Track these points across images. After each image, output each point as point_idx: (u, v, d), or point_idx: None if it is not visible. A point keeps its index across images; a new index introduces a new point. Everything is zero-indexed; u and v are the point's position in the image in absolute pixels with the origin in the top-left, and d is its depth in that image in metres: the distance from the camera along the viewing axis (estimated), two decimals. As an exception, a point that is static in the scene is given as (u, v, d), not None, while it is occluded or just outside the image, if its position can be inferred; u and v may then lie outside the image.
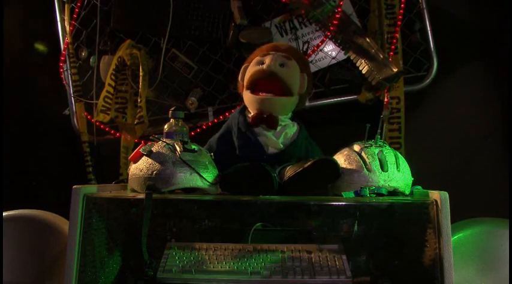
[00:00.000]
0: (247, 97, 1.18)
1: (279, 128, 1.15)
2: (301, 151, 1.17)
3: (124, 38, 1.56)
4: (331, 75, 1.53)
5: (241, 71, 1.23)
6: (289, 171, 1.00)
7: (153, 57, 1.56)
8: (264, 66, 1.15)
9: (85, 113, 1.60)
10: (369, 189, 0.98)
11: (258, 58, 1.20)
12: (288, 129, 1.17)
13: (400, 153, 1.08)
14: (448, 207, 0.94)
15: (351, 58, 1.49)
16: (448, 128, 1.57)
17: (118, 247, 1.16)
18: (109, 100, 1.53)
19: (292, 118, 1.21)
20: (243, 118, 1.18)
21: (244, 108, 1.22)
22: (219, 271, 1.03)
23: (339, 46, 1.51)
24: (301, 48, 1.54)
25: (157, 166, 0.96)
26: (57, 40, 1.61)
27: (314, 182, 1.00)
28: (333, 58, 1.54)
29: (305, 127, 1.22)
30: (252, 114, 1.17)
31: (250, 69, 1.19)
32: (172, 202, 1.19)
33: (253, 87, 1.16)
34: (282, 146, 1.15)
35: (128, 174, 1.04)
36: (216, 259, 1.06)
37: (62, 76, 1.59)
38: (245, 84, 1.19)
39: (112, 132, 1.58)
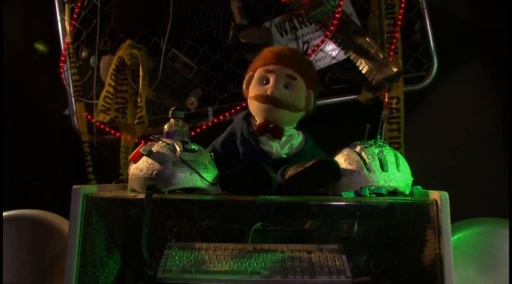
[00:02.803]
0: (253, 105, 1.16)
1: (284, 138, 1.15)
2: (305, 159, 1.16)
3: (124, 38, 1.56)
4: (331, 75, 1.53)
5: (245, 80, 1.21)
6: (290, 171, 1.01)
7: (153, 57, 1.56)
8: (268, 92, 1.12)
9: (85, 113, 1.60)
10: (369, 189, 0.98)
11: (261, 72, 1.16)
12: (294, 140, 1.16)
13: (400, 153, 1.08)
14: (448, 207, 0.94)
15: (351, 58, 1.49)
16: (448, 128, 1.57)
17: (118, 247, 1.16)
18: (109, 100, 1.53)
19: (297, 127, 1.21)
20: (246, 125, 1.17)
21: (249, 114, 1.20)
22: (219, 271, 1.03)
23: (339, 46, 1.51)
24: (301, 48, 1.54)
25: (157, 166, 0.96)
26: (57, 40, 1.61)
27: (314, 183, 1.00)
28: (333, 58, 1.54)
29: (311, 135, 1.21)
30: (257, 122, 1.16)
31: (254, 85, 1.17)
32: (172, 202, 1.19)
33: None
34: (285, 156, 1.14)
35: (127, 174, 1.04)
36: (216, 259, 1.06)
37: (62, 76, 1.59)
38: (250, 95, 1.18)
39: (112, 132, 1.58)
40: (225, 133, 1.23)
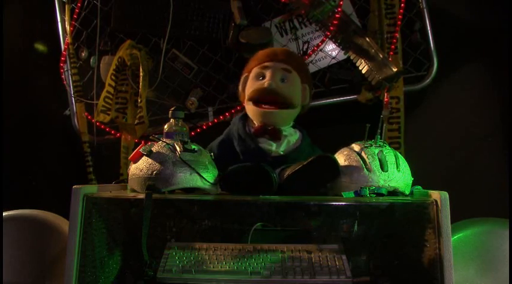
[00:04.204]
0: (250, 109, 1.19)
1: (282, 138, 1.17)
2: (304, 156, 1.16)
3: (124, 38, 1.56)
4: (331, 75, 1.53)
5: (241, 81, 1.24)
6: (289, 170, 1.01)
7: (153, 57, 1.56)
8: (265, 84, 1.15)
9: (85, 113, 1.60)
10: (369, 189, 0.97)
11: (257, 70, 1.20)
12: (291, 137, 1.18)
13: (400, 153, 1.08)
14: (448, 207, 0.94)
15: (351, 58, 1.49)
16: (448, 128, 1.57)
17: (118, 247, 1.16)
18: (109, 101, 1.53)
19: (293, 126, 1.22)
20: (242, 126, 1.19)
21: (246, 116, 1.23)
22: (219, 271, 1.03)
23: (339, 46, 1.51)
24: (301, 48, 1.54)
25: (157, 166, 0.96)
26: (57, 40, 1.61)
27: (313, 180, 1.00)
28: (333, 58, 1.54)
29: (307, 132, 1.22)
30: (255, 125, 1.18)
31: (250, 83, 1.20)
32: (172, 202, 1.19)
33: (256, 100, 1.17)
34: (282, 153, 1.16)
35: (127, 174, 1.04)
36: (216, 259, 1.06)
37: (62, 76, 1.59)
38: (247, 96, 1.20)
39: (112, 132, 1.58)
40: (223, 135, 1.25)
